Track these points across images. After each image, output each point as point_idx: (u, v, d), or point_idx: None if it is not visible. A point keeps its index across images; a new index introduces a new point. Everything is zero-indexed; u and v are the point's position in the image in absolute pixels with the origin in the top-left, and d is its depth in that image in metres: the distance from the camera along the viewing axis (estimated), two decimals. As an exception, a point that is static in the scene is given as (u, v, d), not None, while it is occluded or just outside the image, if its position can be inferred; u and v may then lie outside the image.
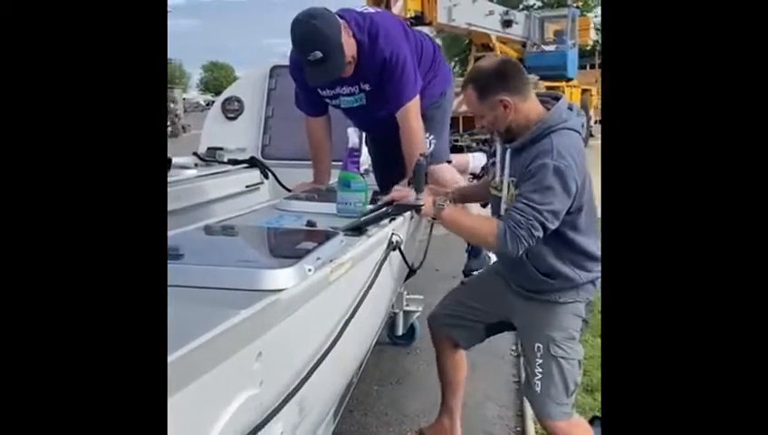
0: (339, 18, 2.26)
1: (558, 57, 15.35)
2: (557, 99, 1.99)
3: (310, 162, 2.71)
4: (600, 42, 17.14)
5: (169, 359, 0.81)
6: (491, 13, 14.43)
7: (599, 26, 18.64)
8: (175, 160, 2.98)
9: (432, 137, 2.52)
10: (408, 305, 3.50)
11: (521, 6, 23.84)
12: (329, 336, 1.39)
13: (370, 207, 1.98)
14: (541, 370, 1.99)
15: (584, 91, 16.29)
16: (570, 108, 1.98)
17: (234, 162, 3.28)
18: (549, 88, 14.21)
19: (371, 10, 2.55)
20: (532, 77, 13.96)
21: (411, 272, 2.35)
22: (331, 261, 1.37)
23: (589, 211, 1.95)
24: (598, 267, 2.00)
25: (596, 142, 13.09)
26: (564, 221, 1.87)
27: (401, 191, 2.03)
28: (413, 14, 11.14)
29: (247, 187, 3.18)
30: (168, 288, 0.95)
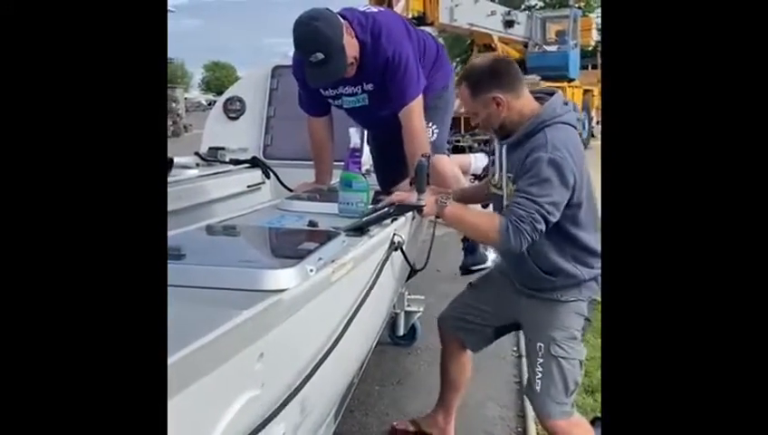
0: (341, 19, 2.25)
1: (560, 57, 15.34)
2: (552, 95, 2.00)
3: (311, 162, 2.71)
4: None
5: (171, 360, 0.80)
6: (493, 13, 14.42)
7: (600, 27, 18.62)
8: (177, 160, 2.98)
9: (435, 127, 2.52)
10: (409, 306, 3.50)
11: (523, 7, 23.83)
12: (330, 337, 1.39)
13: (372, 207, 1.98)
14: (541, 369, 1.99)
15: (586, 91, 16.29)
16: (565, 103, 1.99)
17: (235, 162, 3.28)
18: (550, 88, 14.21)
19: (374, 9, 2.55)
20: (534, 77, 14.01)
21: (413, 272, 2.35)
22: (333, 261, 1.36)
23: (589, 207, 1.96)
24: (599, 263, 1.99)
25: (598, 143, 13.07)
26: (565, 216, 1.87)
27: (401, 194, 2.04)
28: (415, 15, 11.13)
29: (249, 187, 3.18)
30: (170, 288, 0.95)
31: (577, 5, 18.06)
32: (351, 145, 2.12)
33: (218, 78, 69.41)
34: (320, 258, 1.33)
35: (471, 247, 2.44)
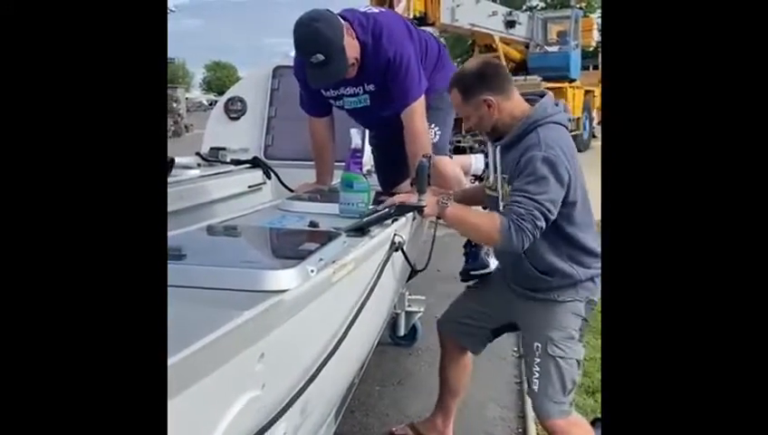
0: (342, 20, 2.25)
1: (561, 58, 15.34)
2: (542, 96, 2.03)
3: (312, 163, 2.71)
4: (603, 43, 17.10)
5: (172, 360, 0.80)
6: (494, 13, 14.42)
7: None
8: (178, 160, 2.98)
9: (437, 128, 2.52)
10: (410, 306, 3.50)
11: (524, 7, 23.84)
12: (331, 337, 1.39)
13: (373, 207, 1.98)
14: (539, 369, 2.00)
15: (587, 92, 16.29)
16: (556, 104, 2.01)
17: (236, 162, 3.28)
18: (551, 89, 14.22)
19: (375, 10, 2.54)
20: (535, 78, 14.01)
21: (414, 273, 2.35)
22: (334, 262, 1.36)
23: (583, 206, 1.97)
24: (597, 263, 2.01)
25: (599, 144, 13.06)
26: (560, 214, 1.89)
27: (403, 195, 2.05)
28: (417, 15, 11.12)
29: (250, 187, 3.18)
30: (171, 288, 0.95)
31: (578, 6, 18.05)
32: (353, 146, 2.12)
33: (219, 78, 69.43)
34: (321, 259, 1.33)
35: (473, 253, 2.44)
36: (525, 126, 1.91)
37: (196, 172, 2.96)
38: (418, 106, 2.36)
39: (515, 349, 3.40)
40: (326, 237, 1.52)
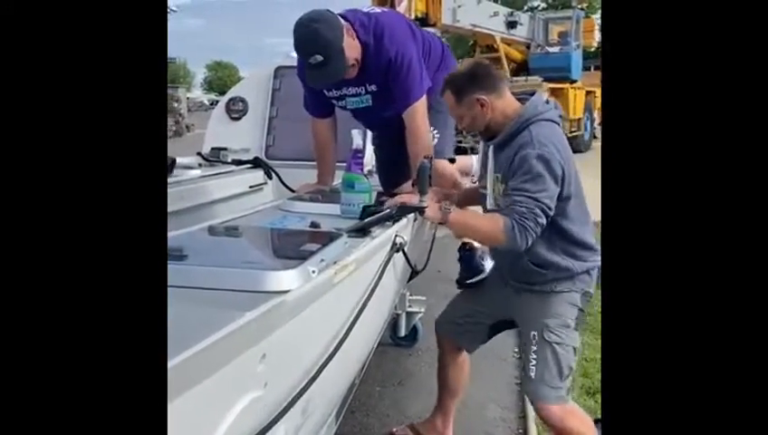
0: (343, 20, 2.25)
1: (562, 59, 15.34)
2: (533, 94, 2.07)
3: (313, 163, 2.71)
4: (604, 43, 17.07)
5: (174, 361, 0.80)
6: (495, 14, 14.42)
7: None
8: (179, 160, 2.98)
9: (437, 131, 2.52)
10: (410, 307, 3.51)
11: (525, 8, 23.83)
12: (332, 338, 1.39)
13: (374, 208, 1.98)
14: (535, 356, 2.02)
15: (588, 92, 16.28)
16: (546, 101, 2.04)
17: (238, 163, 3.28)
18: (553, 89, 14.22)
19: (377, 10, 2.54)
20: (536, 78, 14.01)
21: (414, 273, 2.35)
22: (335, 263, 1.37)
23: (578, 200, 2.00)
24: (593, 257, 2.04)
25: (600, 144, 13.05)
26: (554, 209, 1.90)
27: (405, 196, 2.05)
28: (418, 15, 11.12)
29: (251, 187, 3.18)
30: (172, 289, 0.95)
31: (579, 7, 18.04)
32: (354, 146, 2.12)
33: (220, 78, 69.44)
34: (322, 260, 1.33)
35: (468, 258, 2.44)
36: (517, 125, 1.95)
37: (197, 172, 2.96)
38: (420, 106, 2.36)
39: (515, 350, 3.40)
40: (327, 238, 1.52)
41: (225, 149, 3.34)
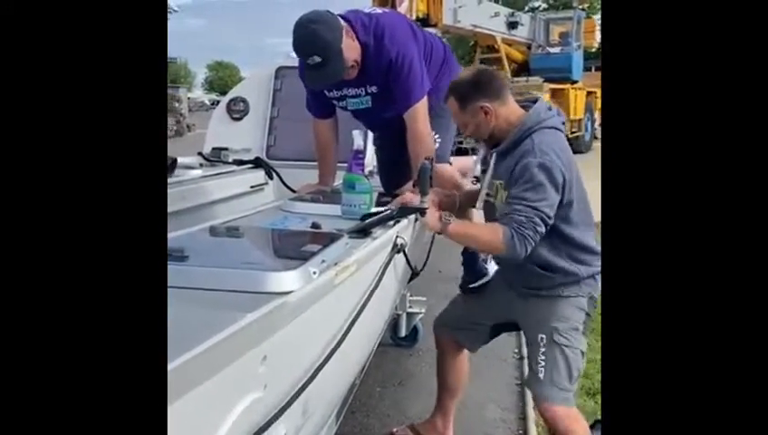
0: (342, 21, 2.24)
1: (563, 59, 15.35)
2: (536, 102, 2.07)
3: (314, 163, 2.71)
4: (605, 44, 17.04)
5: (174, 363, 0.80)
6: (496, 14, 14.44)
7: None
8: (180, 160, 2.98)
9: (438, 136, 2.52)
10: (411, 307, 3.51)
11: (526, 8, 23.83)
12: (333, 339, 1.39)
13: (375, 209, 1.99)
14: (544, 357, 2.02)
15: (589, 93, 16.29)
16: (549, 108, 2.05)
17: (239, 163, 3.28)
18: (553, 90, 14.23)
19: (378, 11, 2.54)
20: (537, 79, 14.01)
21: (414, 274, 2.36)
22: (336, 264, 1.37)
23: (581, 205, 2.00)
24: (597, 261, 2.04)
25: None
26: (557, 215, 1.92)
27: (406, 197, 2.05)
28: (419, 16, 11.13)
29: (252, 187, 3.18)
30: (173, 290, 0.95)
31: (580, 7, 18.05)
32: (355, 147, 2.12)
33: (221, 78, 69.45)
34: (323, 260, 1.33)
35: (471, 261, 2.44)
36: (520, 133, 1.95)
37: (198, 172, 2.96)
38: (421, 107, 2.36)
39: (515, 350, 3.41)
40: (328, 239, 1.52)
41: (226, 149, 3.34)
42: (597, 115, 16.70)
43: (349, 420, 2.60)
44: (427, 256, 2.59)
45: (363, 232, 1.71)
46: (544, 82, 13.90)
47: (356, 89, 2.41)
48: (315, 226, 1.75)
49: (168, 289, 0.90)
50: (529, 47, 15.89)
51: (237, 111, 3.61)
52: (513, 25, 14.95)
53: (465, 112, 2.02)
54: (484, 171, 2.15)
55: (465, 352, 2.41)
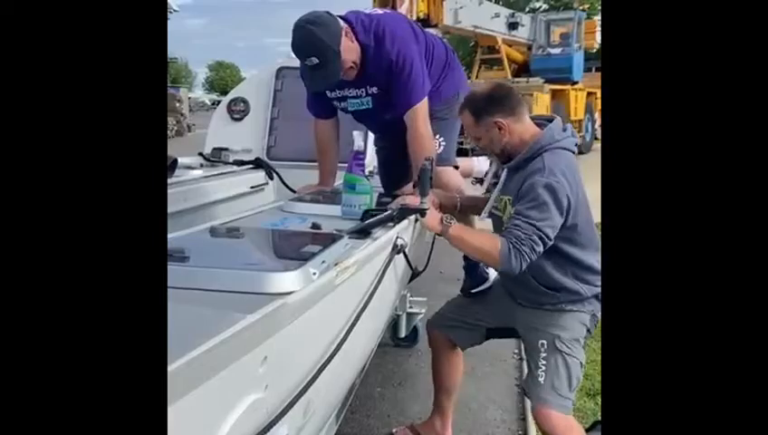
0: (343, 22, 2.24)
1: (563, 60, 15.35)
2: (551, 121, 2.07)
3: (315, 163, 2.71)
4: (605, 45, 17.05)
5: (175, 363, 0.81)
6: (497, 15, 14.44)
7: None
8: (181, 160, 2.98)
9: (442, 139, 2.51)
10: (411, 307, 3.51)
11: (527, 9, 23.83)
12: (333, 339, 1.39)
13: (375, 209, 1.99)
14: (545, 362, 2.02)
15: (589, 94, 16.29)
16: (564, 129, 2.06)
17: (239, 163, 3.28)
18: (554, 91, 14.23)
19: (379, 11, 2.53)
20: (538, 79, 14.01)
21: (415, 274, 2.36)
22: (336, 264, 1.37)
23: (586, 227, 2.01)
24: (599, 281, 2.03)
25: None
26: (562, 238, 1.93)
27: (407, 198, 2.06)
28: (420, 16, 11.13)
29: (252, 188, 3.18)
30: (173, 290, 0.95)
31: (581, 8, 18.07)
32: (355, 147, 2.12)
33: (222, 78, 69.57)
34: (323, 261, 1.33)
35: (472, 266, 2.44)
36: (533, 151, 1.96)
37: (198, 172, 2.96)
38: (422, 108, 2.35)
39: (516, 351, 3.41)
40: (329, 239, 1.52)
41: (226, 149, 3.34)
42: (597, 116, 16.71)
43: (349, 420, 2.60)
44: (429, 257, 2.59)
45: (363, 233, 1.71)
46: (545, 82, 13.91)
47: (356, 90, 2.40)
48: (315, 226, 1.75)
49: (169, 290, 0.90)
50: (529, 48, 15.90)
51: (238, 111, 3.61)
52: (513, 26, 14.96)
53: (480, 126, 2.02)
54: (494, 184, 2.16)
55: (459, 350, 2.41)
